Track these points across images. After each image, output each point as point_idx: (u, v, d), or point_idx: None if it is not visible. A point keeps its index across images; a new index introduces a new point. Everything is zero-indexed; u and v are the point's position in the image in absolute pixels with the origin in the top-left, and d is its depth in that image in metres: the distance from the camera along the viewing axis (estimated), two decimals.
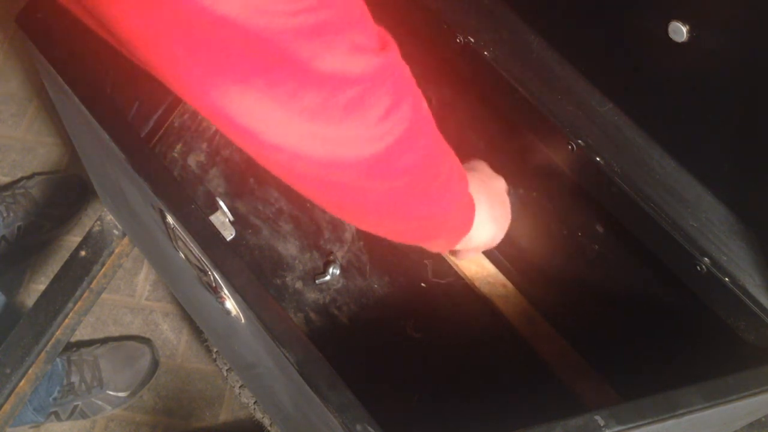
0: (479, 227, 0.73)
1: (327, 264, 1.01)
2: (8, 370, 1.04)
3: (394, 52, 0.53)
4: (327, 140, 0.50)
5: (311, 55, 0.45)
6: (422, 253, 1.00)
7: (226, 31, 0.43)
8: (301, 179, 0.55)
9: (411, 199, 0.60)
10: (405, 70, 0.55)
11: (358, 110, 0.49)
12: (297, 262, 1.02)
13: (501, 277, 0.99)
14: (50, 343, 1.07)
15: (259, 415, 1.21)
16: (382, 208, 0.59)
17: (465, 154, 0.95)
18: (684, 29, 0.59)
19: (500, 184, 0.82)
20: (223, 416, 1.32)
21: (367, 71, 0.49)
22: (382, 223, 0.63)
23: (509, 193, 0.83)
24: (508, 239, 0.97)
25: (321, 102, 0.47)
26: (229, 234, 0.96)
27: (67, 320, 1.09)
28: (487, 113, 0.89)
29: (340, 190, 0.56)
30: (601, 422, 0.54)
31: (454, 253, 0.78)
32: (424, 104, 0.58)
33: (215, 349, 1.26)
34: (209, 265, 0.63)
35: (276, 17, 0.43)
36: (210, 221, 0.63)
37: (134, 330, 1.38)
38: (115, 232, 1.12)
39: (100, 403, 1.28)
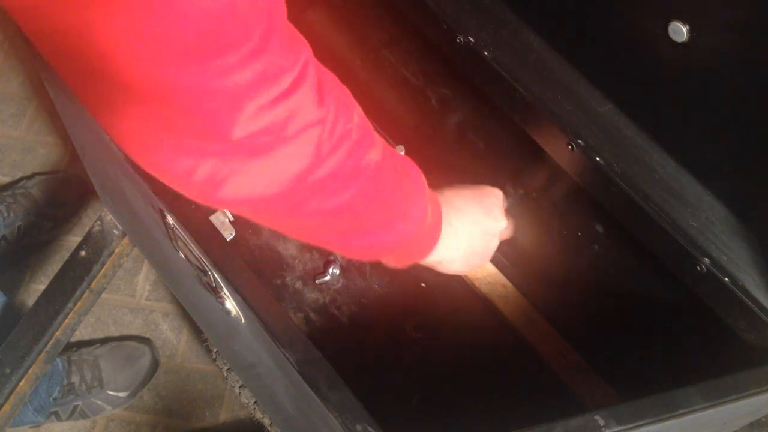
0: (449, 257, 0.74)
1: (327, 264, 1.01)
2: (8, 370, 1.04)
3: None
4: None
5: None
6: None
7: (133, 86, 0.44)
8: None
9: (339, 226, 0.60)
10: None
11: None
12: (297, 262, 1.02)
13: (501, 277, 0.99)
14: (50, 343, 1.07)
15: (259, 415, 1.21)
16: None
17: (465, 154, 0.96)
18: (684, 29, 0.59)
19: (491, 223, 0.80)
20: (223, 416, 1.32)
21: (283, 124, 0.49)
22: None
23: (507, 212, 0.82)
24: (508, 239, 0.97)
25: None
26: (229, 234, 0.96)
27: (67, 320, 1.09)
28: (487, 113, 0.89)
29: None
30: (601, 422, 0.54)
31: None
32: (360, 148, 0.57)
33: (215, 349, 1.26)
34: (209, 265, 0.63)
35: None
36: (210, 221, 0.63)
37: (134, 330, 1.38)
38: (115, 232, 1.12)
39: (100, 403, 1.28)
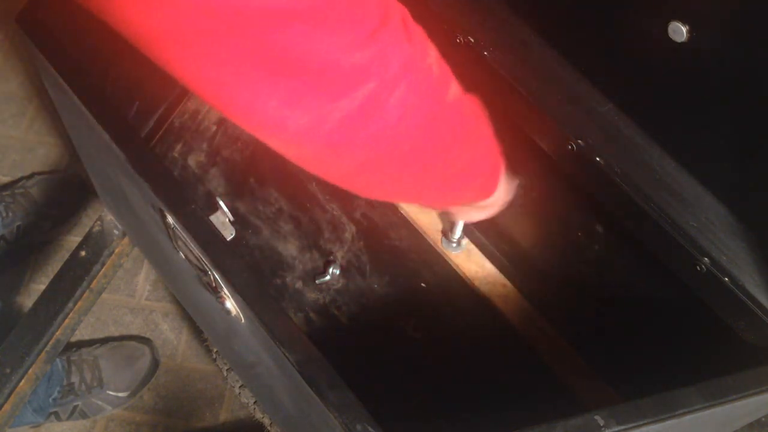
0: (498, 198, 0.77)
1: (327, 264, 1.01)
2: (8, 370, 1.04)
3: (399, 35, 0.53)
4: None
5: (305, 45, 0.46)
6: (422, 252, 1.00)
7: (220, 18, 0.44)
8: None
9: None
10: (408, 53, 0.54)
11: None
12: (297, 262, 1.02)
13: (501, 277, 0.99)
14: (50, 343, 1.07)
15: (259, 415, 1.21)
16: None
17: None
18: (684, 29, 0.59)
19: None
20: (223, 416, 1.32)
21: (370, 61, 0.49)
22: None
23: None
24: (508, 239, 0.97)
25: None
26: (229, 234, 0.96)
27: (67, 320, 1.09)
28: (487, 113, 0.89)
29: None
30: (601, 422, 0.54)
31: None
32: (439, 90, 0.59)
33: (215, 349, 1.26)
34: (209, 265, 0.63)
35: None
36: (210, 221, 0.63)
37: (134, 330, 1.38)
38: (115, 232, 1.12)
39: (100, 403, 1.28)
